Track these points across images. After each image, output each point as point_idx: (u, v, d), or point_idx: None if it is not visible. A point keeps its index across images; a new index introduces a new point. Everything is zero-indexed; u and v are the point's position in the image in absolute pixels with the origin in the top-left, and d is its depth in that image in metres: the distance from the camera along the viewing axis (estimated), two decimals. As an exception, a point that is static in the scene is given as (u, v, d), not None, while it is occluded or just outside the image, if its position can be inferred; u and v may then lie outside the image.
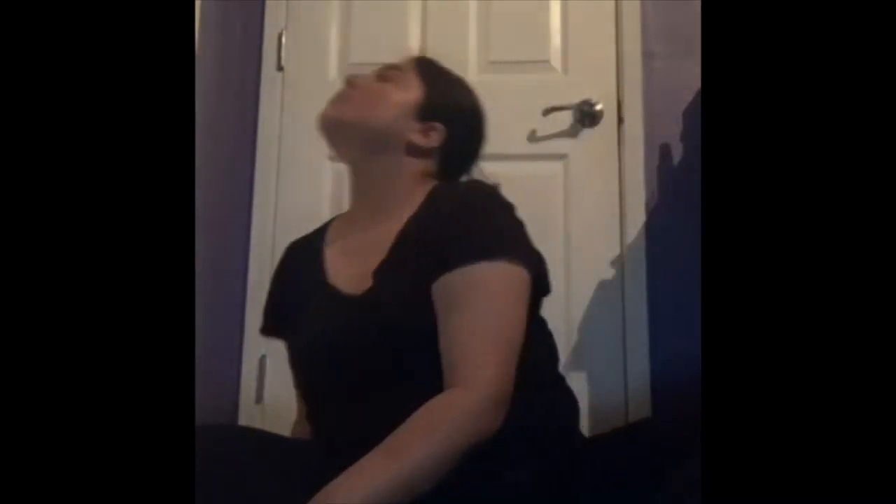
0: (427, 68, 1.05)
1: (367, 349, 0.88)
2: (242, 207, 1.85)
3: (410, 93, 1.01)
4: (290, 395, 1.75)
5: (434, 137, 1.00)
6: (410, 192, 0.97)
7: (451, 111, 1.03)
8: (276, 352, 1.74)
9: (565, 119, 1.78)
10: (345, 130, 1.00)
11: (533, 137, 1.79)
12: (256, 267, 1.80)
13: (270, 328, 1.10)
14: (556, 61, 1.83)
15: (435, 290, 0.86)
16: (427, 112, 1.00)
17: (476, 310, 0.84)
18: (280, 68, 1.89)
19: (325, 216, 1.81)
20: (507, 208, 0.93)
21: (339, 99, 1.02)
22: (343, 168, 1.79)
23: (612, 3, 1.84)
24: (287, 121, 1.87)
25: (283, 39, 1.90)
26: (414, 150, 0.99)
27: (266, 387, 1.75)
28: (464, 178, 1.05)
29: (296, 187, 1.84)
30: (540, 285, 0.92)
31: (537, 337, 0.92)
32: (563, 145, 1.79)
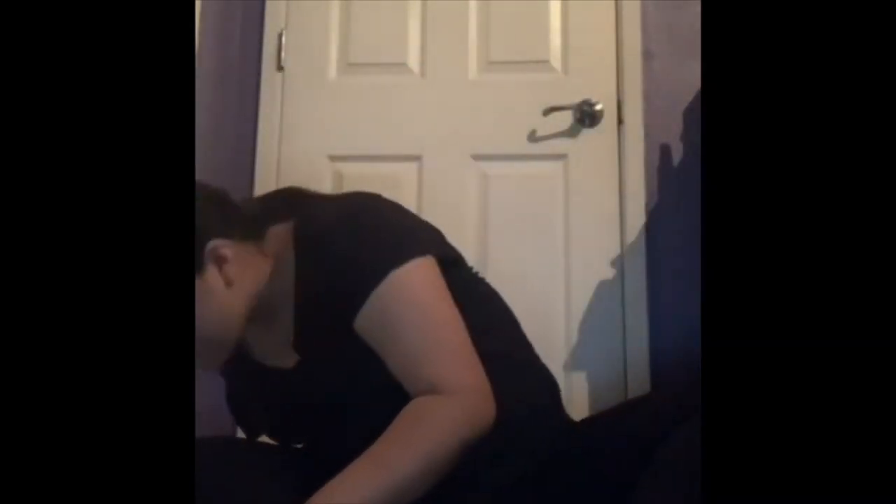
0: None
1: (320, 414, 0.88)
2: (242, 207, 1.85)
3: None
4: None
5: (227, 247, 0.87)
6: (269, 267, 0.90)
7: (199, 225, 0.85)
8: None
9: (565, 119, 1.78)
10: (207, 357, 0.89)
11: (533, 137, 1.79)
12: (256, 267, 1.81)
13: (253, 433, 1.03)
14: (556, 61, 1.83)
15: (358, 328, 0.82)
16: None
17: (407, 323, 0.80)
18: (280, 68, 1.89)
19: (325, 216, 1.83)
20: (367, 206, 0.87)
21: None
22: (343, 168, 1.81)
23: (612, 3, 1.84)
24: (287, 121, 1.87)
25: (283, 39, 1.90)
26: (223, 268, 0.87)
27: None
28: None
29: (296, 187, 1.84)
30: (447, 259, 0.87)
31: (483, 320, 0.87)
32: (563, 145, 1.79)
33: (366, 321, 0.82)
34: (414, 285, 0.82)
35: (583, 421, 0.96)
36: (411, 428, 0.76)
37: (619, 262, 1.72)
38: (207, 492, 0.75)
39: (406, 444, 0.75)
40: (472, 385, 0.79)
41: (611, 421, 0.89)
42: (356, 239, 0.83)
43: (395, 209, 0.89)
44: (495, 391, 0.81)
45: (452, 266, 0.89)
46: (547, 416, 0.91)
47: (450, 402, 0.77)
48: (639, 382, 1.66)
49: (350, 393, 0.85)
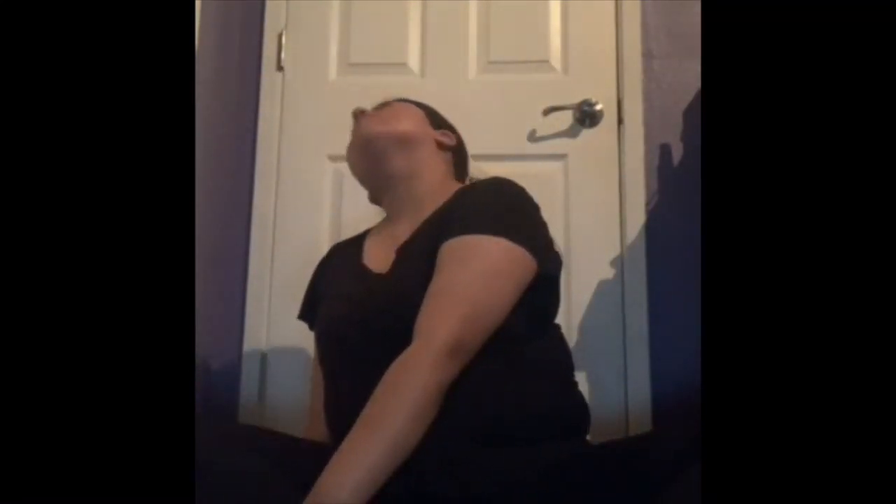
0: (407, 101, 1.21)
1: (383, 317, 0.94)
2: (242, 207, 1.85)
3: (416, 111, 1.18)
4: (291, 394, 1.75)
5: (451, 138, 1.18)
6: (439, 188, 1.08)
7: (447, 122, 1.22)
8: (277, 352, 1.76)
9: (565, 119, 1.78)
10: (381, 141, 1.11)
11: (533, 137, 1.79)
12: (256, 266, 1.81)
13: (305, 313, 1.21)
14: (556, 61, 1.83)
15: (439, 252, 0.92)
16: (434, 124, 1.18)
17: (453, 271, 0.89)
18: (280, 68, 1.89)
19: (325, 216, 1.83)
20: (529, 204, 1.00)
21: (361, 128, 1.16)
22: (343, 168, 1.81)
23: (612, 3, 1.84)
24: (287, 121, 1.87)
25: (283, 39, 1.90)
26: (440, 147, 1.15)
27: (267, 386, 1.75)
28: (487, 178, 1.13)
29: (296, 187, 1.84)
30: (548, 278, 0.96)
31: (549, 338, 0.99)
32: (563, 145, 1.78)
33: (440, 252, 0.92)
34: (491, 254, 0.90)
35: (596, 446, 0.98)
36: (394, 381, 0.82)
37: (619, 262, 1.72)
38: (214, 478, 0.76)
39: (393, 396, 0.80)
40: (442, 336, 0.83)
41: (625, 451, 0.91)
42: (499, 201, 0.97)
43: (535, 208, 1.01)
44: (525, 389, 0.88)
45: (545, 277, 0.98)
46: (569, 430, 0.94)
47: (417, 349, 0.83)
48: (639, 383, 1.66)
49: (410, 312, 0.90)
